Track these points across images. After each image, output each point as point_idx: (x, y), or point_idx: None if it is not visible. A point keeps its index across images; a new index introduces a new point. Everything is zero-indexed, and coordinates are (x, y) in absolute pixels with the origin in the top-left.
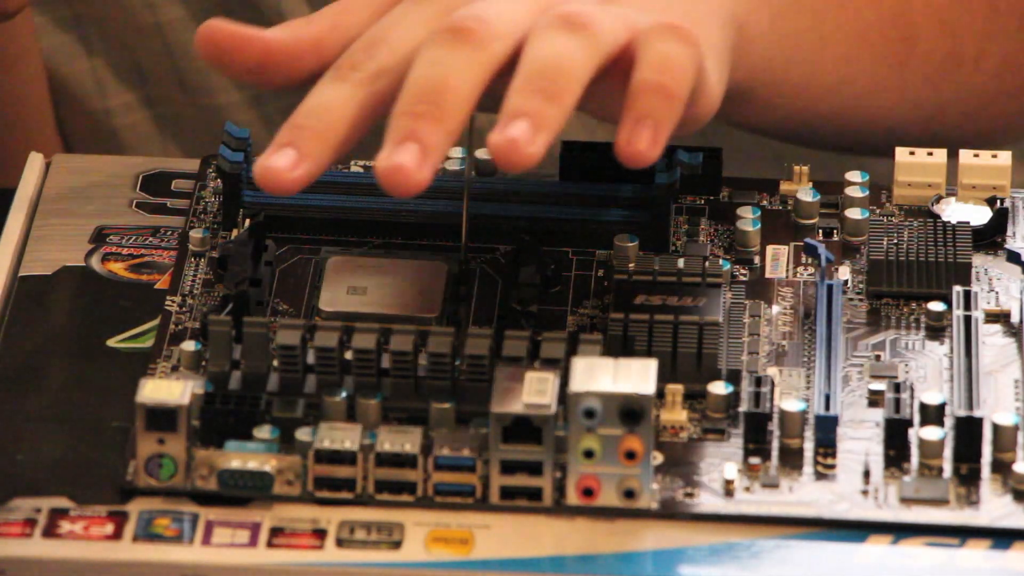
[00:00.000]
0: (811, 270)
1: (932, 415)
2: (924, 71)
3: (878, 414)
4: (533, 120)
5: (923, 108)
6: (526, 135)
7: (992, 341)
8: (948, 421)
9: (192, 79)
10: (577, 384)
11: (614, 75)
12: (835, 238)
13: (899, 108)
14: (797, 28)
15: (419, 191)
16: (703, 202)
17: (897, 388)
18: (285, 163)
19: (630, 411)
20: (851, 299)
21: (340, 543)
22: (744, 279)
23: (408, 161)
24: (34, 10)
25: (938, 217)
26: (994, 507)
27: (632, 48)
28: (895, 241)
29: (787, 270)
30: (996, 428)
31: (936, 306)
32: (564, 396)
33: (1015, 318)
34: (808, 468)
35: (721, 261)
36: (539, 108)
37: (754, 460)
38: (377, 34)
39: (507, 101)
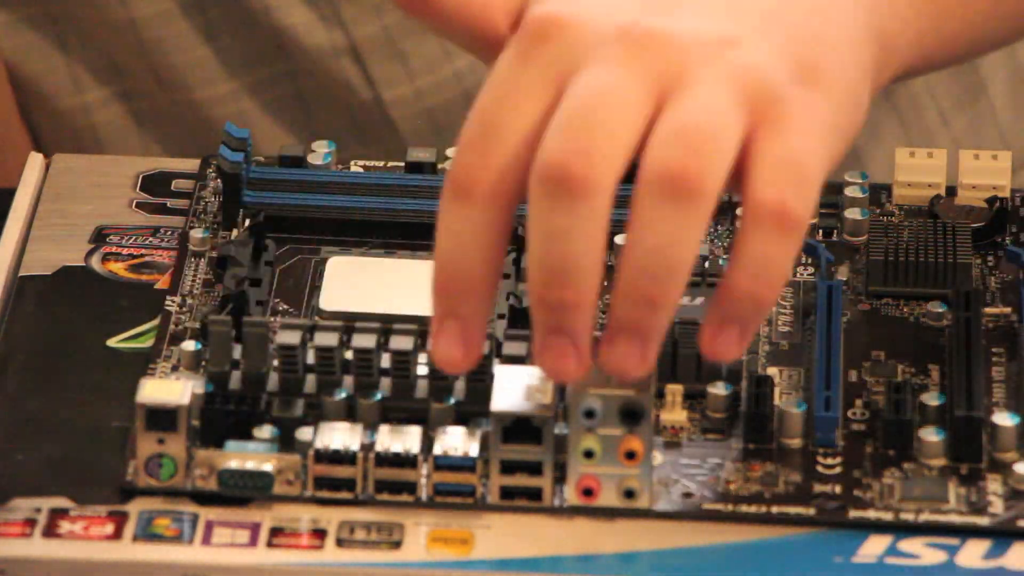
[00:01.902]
0: (811, 270)
1: (932, 415)
2: None
3: (878, 414)
4: (640, 335)
5: None
6: (634, 357)
7: (992, 341)
8: (948, 421)
9: (168, 75)
10: (577, 384)
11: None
12: (835, 238)
13: None
14: (939, 5)
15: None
16: None
17: (897, 388)
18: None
19: (630, 411)
20: (851, 299)
21: (340, 543)
22: None
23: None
24: (4, 9)
25: (938, 217)
26: (994, 507)
27: (742, 168)
28: (895, 241)
29: None
30: (996, 428)
31: (936, 306)
32: (564, 396)
33: (1015, 318)
34: (808, 468)
35: (721, 261)
36: (644, 318)
37: (754, 460)
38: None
39: (611, 309)
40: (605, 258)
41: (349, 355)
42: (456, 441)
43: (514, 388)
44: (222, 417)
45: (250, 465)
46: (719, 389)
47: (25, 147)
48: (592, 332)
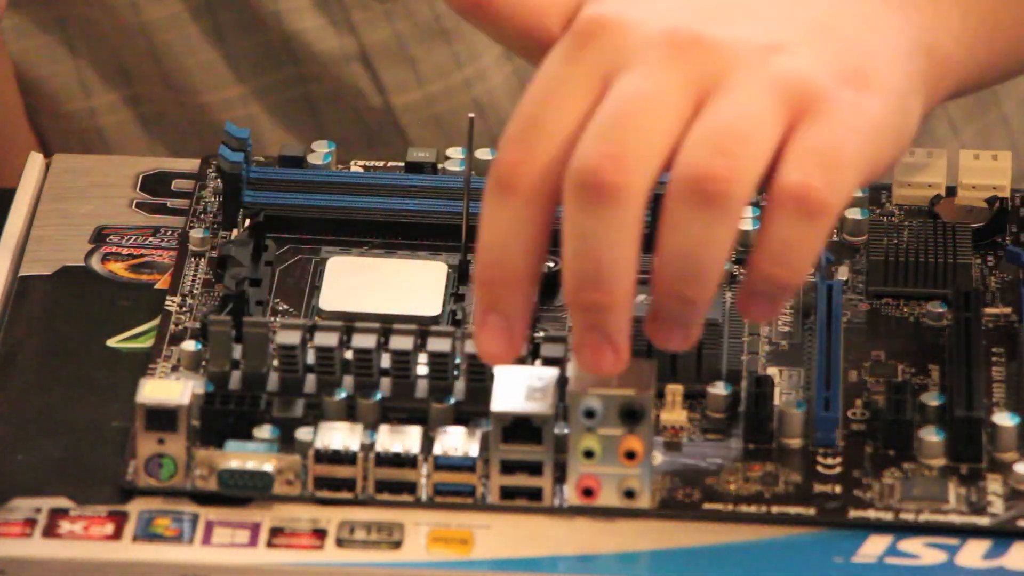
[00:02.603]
0: (811, 270)
1: (932, 415)
2: None
3: (878, 414)
4: (684, 328)
5: None
6: (676, 338)
7: (992, 341)
8: (948, 421)
9: (177, 79)
10: (577, 384)
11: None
12: (835, 238)
13: None
14: (986, 17)
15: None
16: None
17: (897, 388)
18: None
19: (630, 411)
20: (851, 299)
21: (340, 543)
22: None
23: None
24: (15, 12)
25: (938, 217)
26: (994, 507)
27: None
28: (895, 241)
29: None
30: (996, 428)
31: (936, 306)
32: (564, 396)
33: (1015, 318)
34: (808, 468)
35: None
36: (682, 311)
37: (754, 460)
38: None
39: (653, 300)
40: (638, 259)
41: (349, 355)
42: (456, 441)
43: (514, 388)
44: (222, 417)
45: (250, 465)
46: (719, 389)
47: (31, 149)
48: (628, 329)
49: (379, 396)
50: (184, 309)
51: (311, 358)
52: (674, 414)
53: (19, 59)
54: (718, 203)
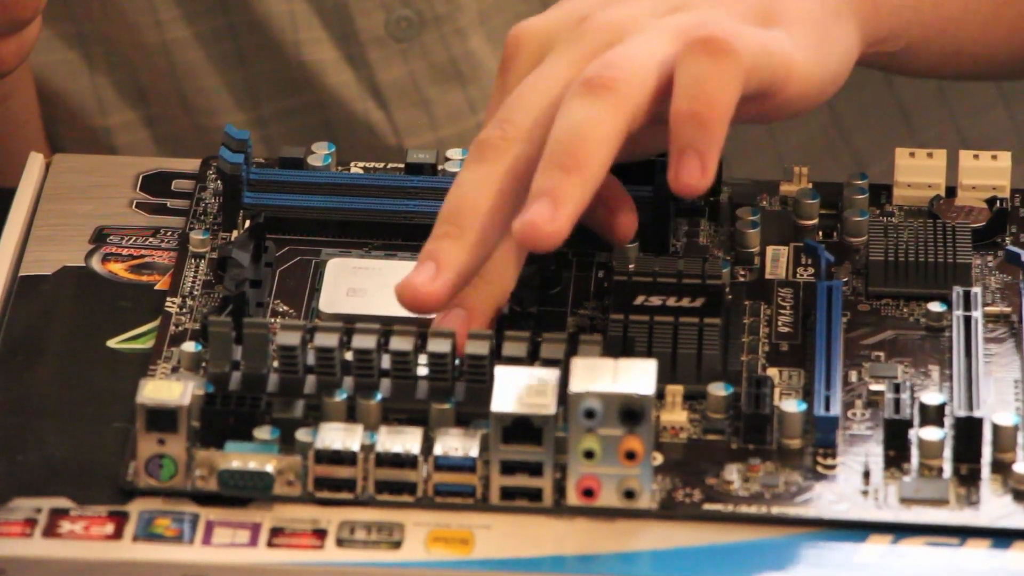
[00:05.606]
0: (811, 271)
1: (932, 415)
2: None
3: (878, 415)
4: (551, 197)
5: None
6: (544, 216)
7: (992, 341)
8: (948, 421)
9: (194, 99)
10: (577, 384)
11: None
12: (835, 239)
13: None
14: None
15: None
16: (703, 203)
17: (897, 388)
18: (423, 278)
19: (630, 411)
20: (851, 299)
21: (340, 543)
22: (744, 280)
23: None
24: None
25: (938, 217)
26: (994, 507)
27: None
28: (895, 242)
29: (787, 271)
30: (996, 428)
31: (936, 306)
32: (564, 396)
33: (1015, 318)
34: (808, 468)
35: (721, 262)
36: (558, 184)
37: (754, 460)
38: (513, 99)
39: (533, 179)
40: (499, 216)
41: (349, 356)
42: (456, 442)
43: (514, 389)
44: (222, 418)
45: (251, 466)
46: (719, 390)
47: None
48: (463, 270)
49: (379, 397)
50: (184, 310)
51: (311, 359)
52: (674, 414)
53: (39, 72)
54: (603, 93)
